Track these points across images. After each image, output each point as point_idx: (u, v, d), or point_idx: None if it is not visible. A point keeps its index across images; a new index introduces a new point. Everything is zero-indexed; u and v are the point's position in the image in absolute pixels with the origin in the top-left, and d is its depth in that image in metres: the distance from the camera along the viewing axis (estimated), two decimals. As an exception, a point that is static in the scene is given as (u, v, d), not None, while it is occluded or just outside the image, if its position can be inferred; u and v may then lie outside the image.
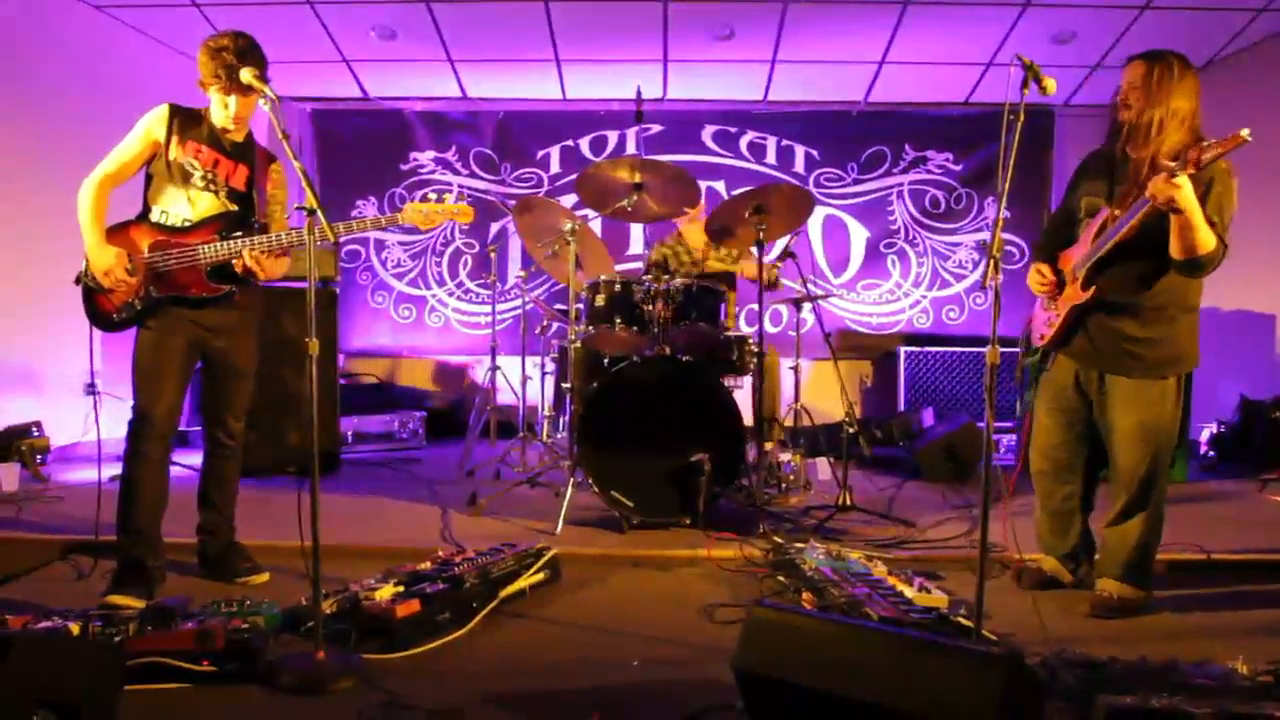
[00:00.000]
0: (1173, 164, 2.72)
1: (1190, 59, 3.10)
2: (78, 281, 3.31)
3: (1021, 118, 2.61)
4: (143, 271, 3.26)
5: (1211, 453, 6.23)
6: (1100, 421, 3.28)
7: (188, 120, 3.32)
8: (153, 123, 3.30)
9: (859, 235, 8.02)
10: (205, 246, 3.27)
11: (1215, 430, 6.25)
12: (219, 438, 3.55)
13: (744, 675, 2.20)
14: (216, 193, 3.34)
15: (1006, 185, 2.60)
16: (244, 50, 3.17)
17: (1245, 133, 2.57)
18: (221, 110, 3.29)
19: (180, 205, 3.31)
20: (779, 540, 3.83)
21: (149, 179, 3.35)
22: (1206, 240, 2.85)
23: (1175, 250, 2.90)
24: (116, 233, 3.29)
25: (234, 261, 3.28)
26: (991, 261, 2.53)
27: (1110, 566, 3.26)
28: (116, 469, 3.34)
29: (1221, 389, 6.30)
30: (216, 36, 3.21)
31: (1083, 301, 3.14)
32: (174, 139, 3.28)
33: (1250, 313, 6.48)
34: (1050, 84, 2.73)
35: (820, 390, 7.41)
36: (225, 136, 3.36)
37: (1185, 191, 2.73)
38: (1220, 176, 2.92)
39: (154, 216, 3.31)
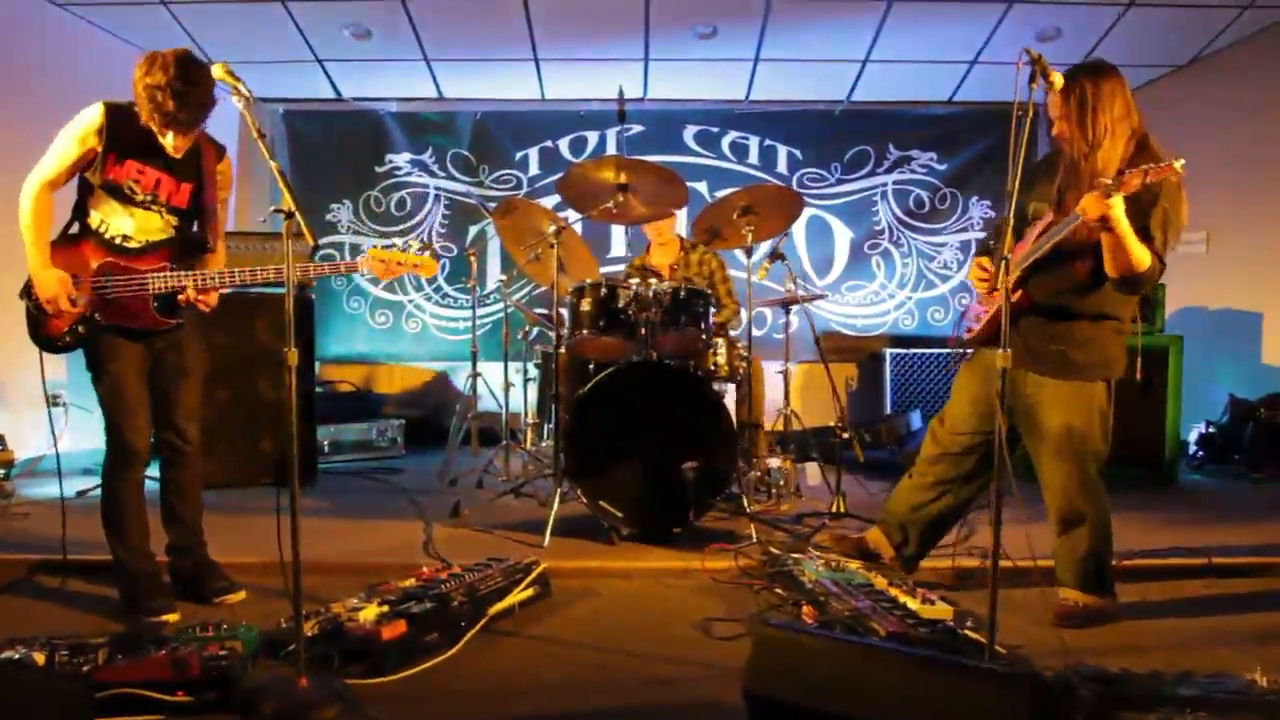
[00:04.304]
0: (1107, 183, 2.67)
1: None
2: (22, 296, 3.15)
3: (1030, 113, 2.52)
4: (88, 294, 3.11)
5: (1200, 452, 6.20)
6: (1025, 427, 3.22)
7: (126, 129, 3.08)
8: (87, 131, 3.06)
9: (843, 236, 7.95)
10: (155, 276, 3.13)
11: (1204, 430, 6.21)
12: (173, 443, 3.36)
13: (755, 699, 2.09)
14: (160, 213, 3.19)
15: (1016, 183, 2.50)
16: (182, 94, 2.92)
17: (1179, 165, 2.56)
18: (160, 139, 3.09)
19: (121, 220, 3.15)
20: (775, 551, 3.73)
21: (85, 183, 3.14)
22: (1140, 259, 2.81)
23: (1109, 268, 2.87)
24: (63, 248, 3.12)
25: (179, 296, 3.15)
26: (1002, 263, 2.43)
27: (1066, 577, 3.20)
28: (82, 484, 3.20)
29: (1210, 389, 6.27)
30: (151, 69, 2.93)
31: (1014, 303, 3.10)
32: (111, 155, 3.07)
33: (1238, 311, 6.46)
34: (1057, 78, 2.66)
35: (804, 394, 7.32)
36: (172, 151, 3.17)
37: (1117, 212, 2.70)
38: (1168, 191, 2.85)
39: (91, 222, 3.14)
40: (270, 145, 2.67)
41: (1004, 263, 2.44)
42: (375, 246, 3.17)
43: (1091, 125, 2.95)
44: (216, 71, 2.74)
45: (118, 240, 3.15)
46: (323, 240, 7.56)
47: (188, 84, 2.95)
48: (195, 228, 3.31)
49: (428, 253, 3.18)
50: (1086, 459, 3.11)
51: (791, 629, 2.18)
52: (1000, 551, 3.55)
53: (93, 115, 3.09)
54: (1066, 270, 3.06)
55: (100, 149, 3.07)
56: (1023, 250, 3.14)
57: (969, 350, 3.42)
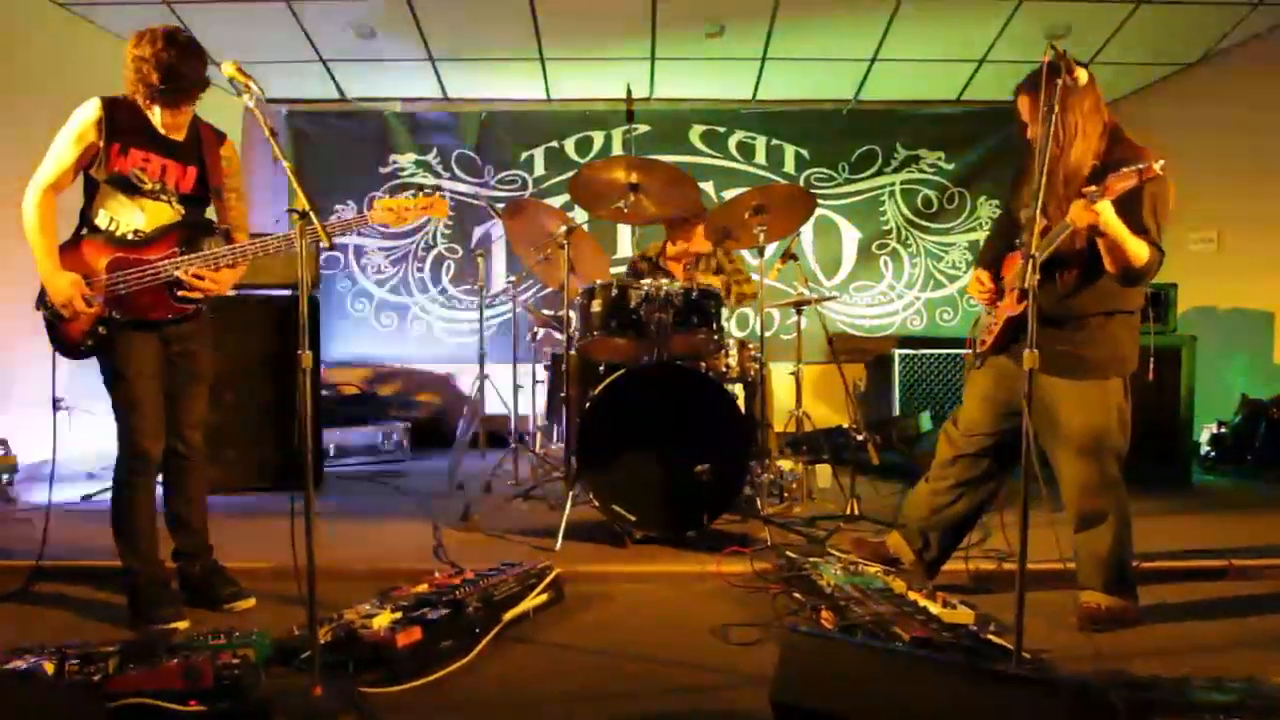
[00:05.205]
0: (1092, 190, 2.67)
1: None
2: (38, 307, 3.10)
3: (1057, 109, 2.47)
4: (102, 294, 3.05)
5: (1212, 453, 6.15)
6: (1040, 426, 3.15)
7: (125, 120, 3.06)
8: (86, 127, 3.03)
9: (850, 236, 7.90)
10: (168, 263, 3.07)
11: (1216, 430, 6.16)
12: (179, 450, 3.31)
13: (783, 708, 2.05)
14: (169, 202, 3.14)
15: (1043, 179, 2.46)
16: (170, 65, 2.92)
17: (1159, 166, 2.57)
18: (150, 116, 3.06)
19: (131, 214, 3.10)
20: (791, 555, 3.68)
21: (91, 182, 3.10)
22: (1138, 253, 2.81)
23: (1109, 266, 2.87)
24: (70, 251, 3.06)
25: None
26: (1031, 261, 2.38)
27: (1089, 579, 3.15)
28: (86, 489, 3.14)
29: (1222, 389, 6.22)
30: (140, 42, 2.96)
31: (1018, 314, 3.08)
32: (115, 146, 3.03)
33: (1249, 310, 6.42)
34: (1082, 74, 2.61)
35: (813, 395, 7.27)
36: (169, 134, 3.13)
37: (1106, 216, 2.70)
38: (1154, 179, 2.80)
39: (100, 222, 3.08)
40: (281, 145, 2.63)
41: (1031, 260, 2.39)
42: (383, 197, 3.14)
43: (1061, 125, 2.92)
44: (228, 69, 2.69)
45: (129, 236, 3.10)
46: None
47: (175, 55, 2.94)
48: (204, 214, 3.26)
49: (436, 194, 3.15)
50: (1107, 457, 3.07)
51: (821, 636, 2.13)
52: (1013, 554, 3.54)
53: (89, 111, 3.05)
54: (1054, 280, 3.04)
55: (102, 143, 3.03)
56: (1020, 261, 3.10)
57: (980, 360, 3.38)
